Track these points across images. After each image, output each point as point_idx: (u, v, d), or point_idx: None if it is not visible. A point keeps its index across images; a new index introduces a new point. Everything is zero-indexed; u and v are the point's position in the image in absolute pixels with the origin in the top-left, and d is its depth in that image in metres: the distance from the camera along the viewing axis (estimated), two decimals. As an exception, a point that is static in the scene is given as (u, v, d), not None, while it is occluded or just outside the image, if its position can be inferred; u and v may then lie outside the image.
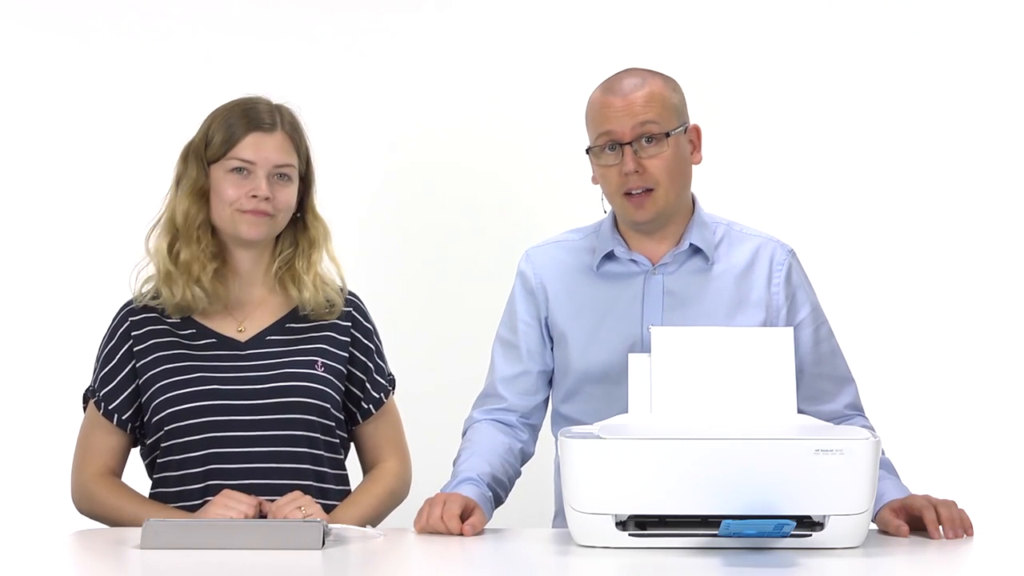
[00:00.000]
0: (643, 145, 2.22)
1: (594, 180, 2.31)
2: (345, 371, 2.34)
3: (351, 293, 2.42)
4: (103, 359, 2.31)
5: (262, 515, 2.13)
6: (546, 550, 1.92)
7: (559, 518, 2.36)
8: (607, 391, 2.24)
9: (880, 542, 1.93)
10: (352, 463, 2.41)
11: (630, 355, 2.08)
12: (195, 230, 2.28)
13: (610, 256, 2.32)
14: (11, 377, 3.07)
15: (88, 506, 2.27)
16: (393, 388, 2.43)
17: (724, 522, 1.77)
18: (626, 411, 2.05)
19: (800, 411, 2.08)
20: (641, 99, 2.22)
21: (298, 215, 2.36)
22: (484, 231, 3.15)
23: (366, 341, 2.38)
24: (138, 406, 2.28)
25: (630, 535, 1.84)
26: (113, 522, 2.21)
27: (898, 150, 3.11)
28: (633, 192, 2.23)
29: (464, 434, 2.33)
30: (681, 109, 2.28)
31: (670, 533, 1.84)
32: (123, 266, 2.35)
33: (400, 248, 3.17)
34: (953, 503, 1.98)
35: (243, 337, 2.30)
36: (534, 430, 2.37)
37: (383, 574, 1.85)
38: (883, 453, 2.15)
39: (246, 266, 2.33)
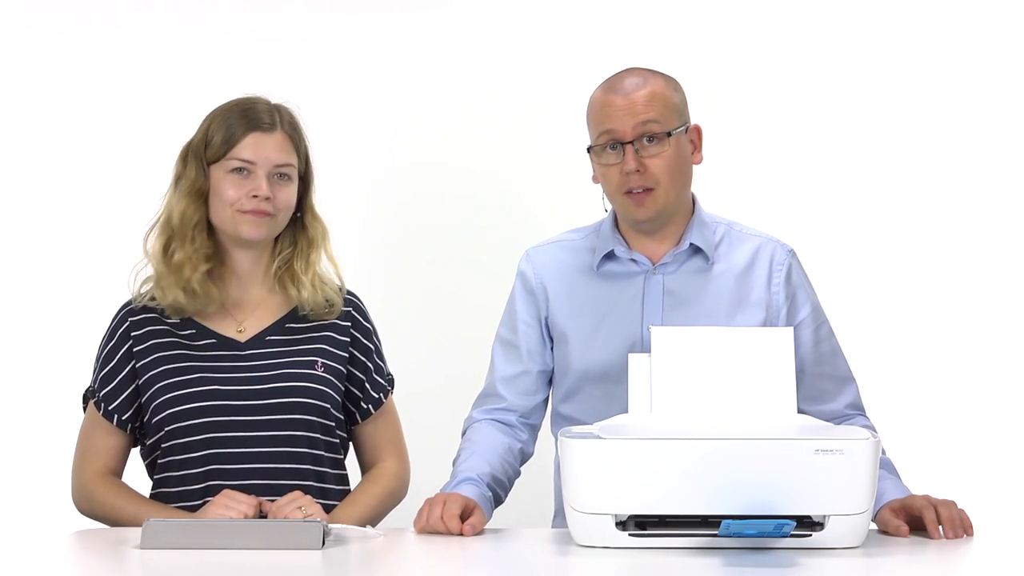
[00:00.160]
0: (644, 144, 2.22)
1: (594, 179, 2.31)
2: (345, 371, 2.34)
3: (350, 293, 2.42)
4: (103, 359, 2.31)
5: (262, 515, 2.13)
6: (546, 550, 1.92)
7: (559, 518, 2.36)
8: (607, 391, 2.24)
9: (880, 542, 1.93)
10: (351, 463, 2.41)
11: (630, 355, 2.08)
12: (190, 230, 2.27)
13: (610, 256, 2.32)
14: (11, 377, 3.07)
15: (88, 506, 2.27)
16: (392, 388, 2.43)
17: (724, 522, 1.77)
18: (626, 411, 2.05)
19: (801, 411, 2.08)
20: (643, 98, 2.22)
21: (297, 215, 2.36)
22: (484, 231, 3.15)
23: (366, 341, 2.38)
24: (138, 406, 2.28)
25: (630, 535, 1.84)
26: (113, 522, 2.22)
27: (898, 150, 3.11)
28: (634, 191, 2.23)
29: (464, 434, 2.33)
30: (682, 109, 2.28)
31: (670, 533, 1.84)
32: (123, 266, 2.35)
33: (400, 248, 3.17)
34: (953, 503, 1.98)
35: (243, 337, 2.30)
36: (533, 430, 2.37)
37: (383, 574, 1.85)
38: (883, 453, 2.15)
39: (245, 266, 2.33)
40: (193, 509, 2.20)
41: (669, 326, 2.23)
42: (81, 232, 3.11)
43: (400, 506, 2.36)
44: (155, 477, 2.29)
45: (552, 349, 2.36)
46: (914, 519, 1.98)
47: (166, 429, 2.24)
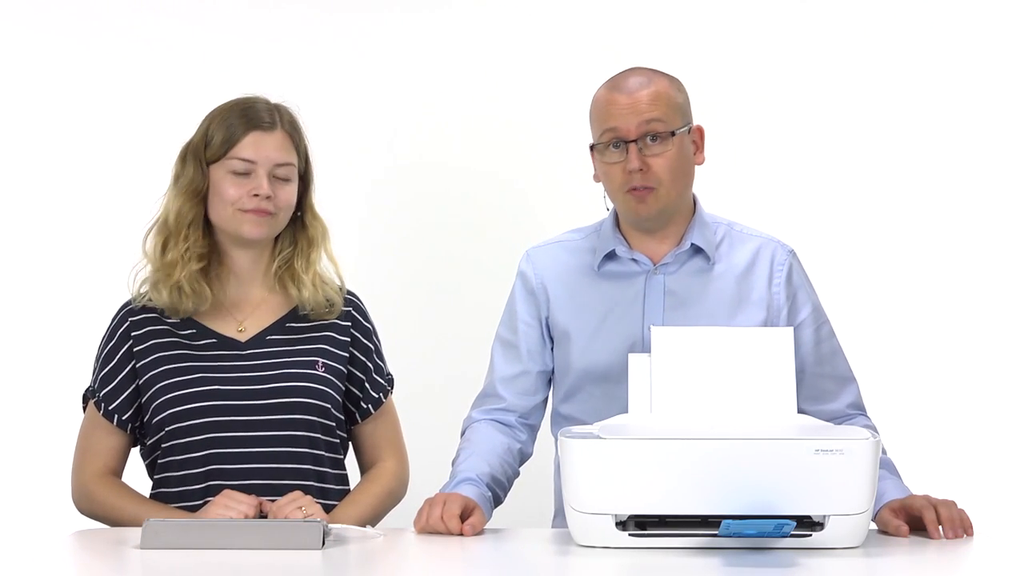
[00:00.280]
0: (648, 143, 2.22)
1: (596, 178, 2.31)
2: (345, 371, 2.34)
3: (350, 292, 2.42)
4: (103, 359, 2.31)
5: (263, 515, 2.13)
6: (546, 550, 1.92)
7: (559, 518, 2.36)
8: (607, 391, 2.24)
9: (880, 542, 1.93)
10: (350, 463, 2.40)
11: (630, 355, 2.08)
12: (185, 228, 2.27)
13: (611, 256, 2.32)
14: (11, 377, 3.07)
15: (88, 506, 2.27)
16: (392, 388, 2.43)
17: (724, 522, 1.77)
18: (626, 411, 2.05)
19: (802, 411, 2.09)
20: (647, 97, 2.23)
21: (297, 214, 2.36)
22: (484, 230, 3.15)
23: (366, 341, 2.38)
24: (138, 406, 2.28)
25: (630, 535, 1.84)
26: (113, 522, 2.21)
27: (898, 151, 3.11)
28: (636, 189, 2.23)
29: (463, 434, 2.33)
30: (686, 109, 2.28)
31: (670, 533, 1.84)
32: (122, 266, 2.35)
33: (400, 247, 3.17)
34: (953, 503, 1.98)
35: (243, 337, 2.30)
36: (532, 430, 2.37)
37: (383, 574, 1.85)
38: (884, 453, 2.15)
39: (245, 266, 2.33)
40: (193, 509, 2.20)
41: (670, 326, 2.23)
42: (81, 232, 3.11)
43: (400, 506, 2.36)
44: (155, 477, 2.29)
45: (552, 349, 2.36)
46: (914, 519, 1.98)
47: (166, 429, 2.24)
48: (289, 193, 2.30)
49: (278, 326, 2.32)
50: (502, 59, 3.17)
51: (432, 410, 2.78)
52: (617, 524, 1.84)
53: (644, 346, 2.22)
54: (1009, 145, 3.08)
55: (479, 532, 2.02)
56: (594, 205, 2.35)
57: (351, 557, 1.87)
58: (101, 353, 2.32)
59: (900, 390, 2.99)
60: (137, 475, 2.32)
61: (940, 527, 1.94)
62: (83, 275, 3.06)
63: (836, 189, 3.11)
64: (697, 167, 2.32)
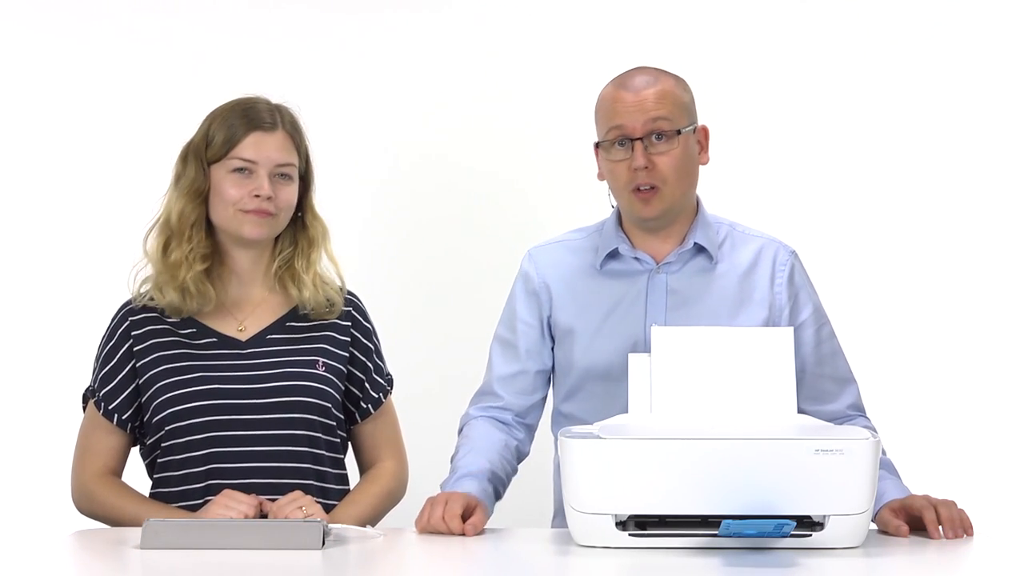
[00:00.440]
0: (653, 142, 2.22)
1: (600, 176, 2.31)
2: (345, 371, 2.34)
3: (350, 293, 2.42)
4: (103, 359, 2.31)
5: (263, 515, 2.13)
6: (546, 550, 1.92)
7: (559, 518, 2.36)
8: (608, 389, 2.24)
9: (880, 542, 1.93)
10: (349, 462, 2.40)
11: (630, 355, 2.08)
12: (188, 229, 2.27)
13: (613, 255, 2.32)
14: (11, 377, 3.07)
15: (88, 506, 2.27)
16: (391, 388, 2.44)
17: (724, 522, 1.77)
18: (627, 410, 2.05)
19: (802, 411, 2.09)
20: (653, 96, 2.23)
21: (298, 214, 2.36)
22: (484, 231, 3.15)
23: (366, 341, 2.38)
24: (138, 406, 2.28)
25: (630, 535, 1.84)
26: (113, 522, 2.21)
27: (899, 152, 3.11)
28: (641, 188, 2.23)
29: (460, 431, 2.33)
30: (691, 108, 2.28)
31: (670, 533, 1.84)
32: (123, 266, 2.35)
33: (400, 248, 3.17)
34: (953, 503, 1.98)
35: (244, 336, 2.30)
36: (530, 430, 2.37)
37: (383, 574, 1.86)
38: (884, 453, 2.15)
39: (245, 266, 2.33)
40: (193, 508, 2.19)
41: (672, 325, 2.24)
42: (81, 232, 3.11)
43: (400, 506, 2.36)
44: (155, 476, 2.29)
45: (553, 349, 2.36)
46: (914, 519, 1.98)
47: (166, 428, 2.24)
48: (290, 193, 2.30)
49: (278, 325, 2.32)
50: (503, 59, 3.17)
51: (432, 410, 2.78)
52: (617, 524, 1.84)
53: (646, 345, 2.22)
54: (1009, 145, 3.08)
55: (480, 532, 2.02)
56: (596, 205, 2.36)
57: (351, 557, 1.87)
58: (101, 353, 2.32)
59: (900, 390, 2.99)
60: (137, 475, 2.32)
61: (940, 527, 1.95)
62: (83, 275, 3.06)
63: (837, 191, 3.12)
64: (701, 167, 2.32)
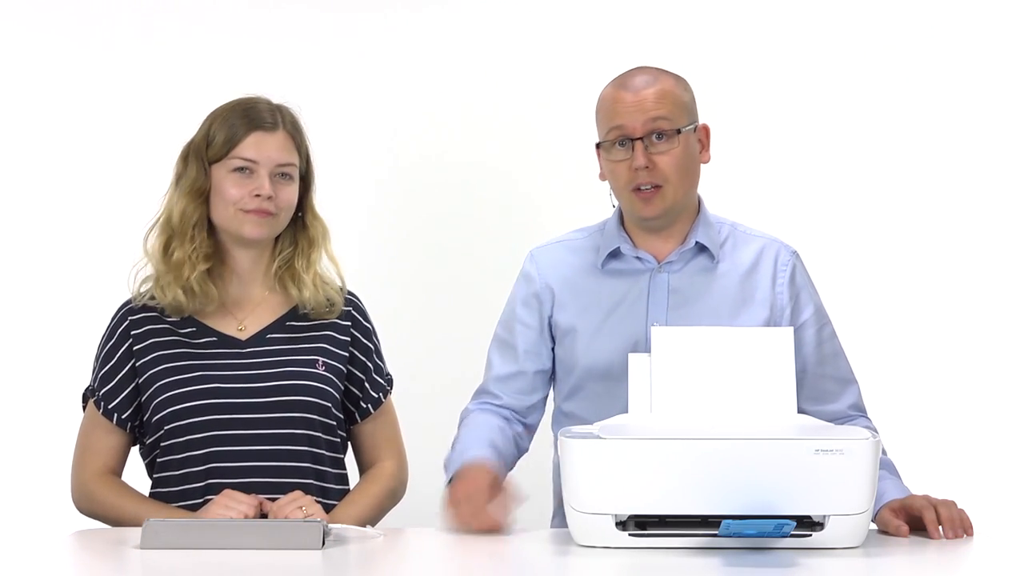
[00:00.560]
0: (654, 141, 2.23)
1: (601, 176, 2.32)
2: (345, 370, 2.34)
3: (350, 293, 2.42)
4: (102, 358, 2.31)
5: (263, 515, 2.13)
6: (546, 550, 1.92)
7: (559, 518, 2.36)
8: (610, 388, 2.24)
9: (880, 542, 1.93)
10: (349, 462, 2.40)
11: (630, 355, 2.08)
12: (190, 229, 2.28)
13: (615, 254, 2.33)
14: (11, 377, 3.07)
15: (88, 505, 2.27)
16: (391, 388, 2.44)
17: (724, 522, 1.77)
18: (627, 410, 2.05)
19: (803, 411, 2.09)
20: (653, 95, 2.23)
21: (298, 214, 2.36)
22: (485, 231, 3.15)
23: (365, 341, 2.38)
24: (138, 405, 2.28)
25: (630, 535, 1.84)
26: (113, 522, 2.21)
27: (900, 152, 3.11)
28: (642, 188, 2.23)
29: (460, 424, 2.32)
30: (691, 108, 2.29)
31: (670, 533, 1.84)
32: (123, 266, 2.35)
33: (400, 248, 3.17)
34: (953, 503, 1.98)
35: (243, 336, 2.30)
36: (529, 428, 2.37)
37: (383, 574, 1.85)
38: (884, 453, 2.15)
39: (246, 265, 2.34)
40: (193, 508, 2.19)
41: (673, 324, 2.24)
42: (81, 232, 3.11)
43: (399, 506, 2.36)
44: (155, 476, 2.29)
45: (554, 348, 2.36)
46: (914, 519, 1.98)
47: (166, 428, 2.24)
48: (290, 193, 2.30)
49: (278, 325, 2.32)
50: (504, 59, 3.17)
51: (432, 410, 2.78)
52: (617, 524, 1.84)
53: (647, 344, 2.22)
54: (1010, 145, 3.08)
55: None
56: (597, 205, 2.36)
57: (351, 557, 1.86)
58: (101, 352, 2.32)
59: (900, 391, 2.99)
60: (137, 475, 2.32)
61: (940, 527, 1.94)
62: (83, 275, 3.06)
63: (838, 190, 3.11)
64: (702, 166, 2.32)
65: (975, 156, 3.09)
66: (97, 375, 2.31)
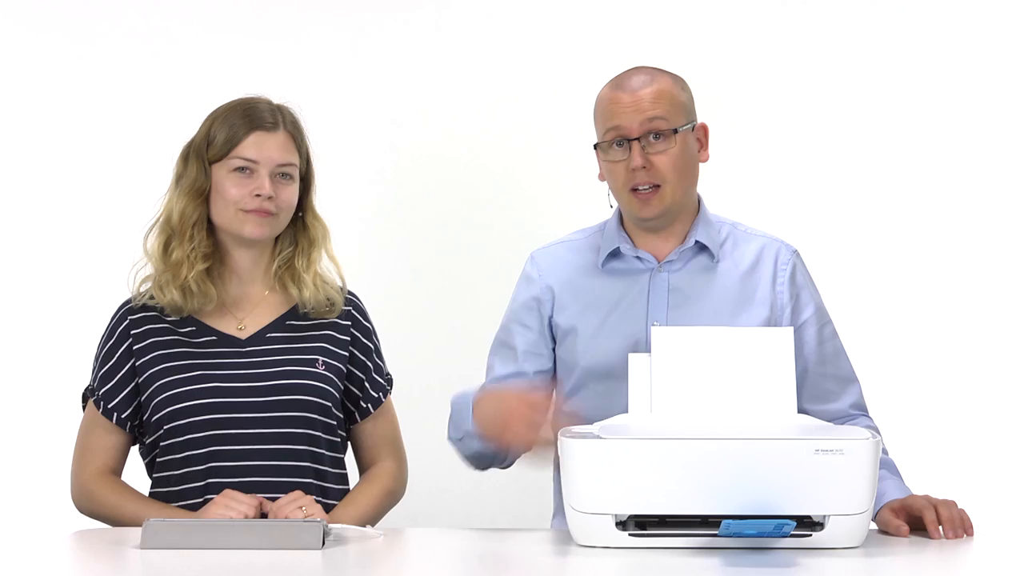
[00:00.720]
0: (651, 141, 2.23)
1: (601, 177, 2.32)
2: (345, 370, 2.34)
3: (350, 292, 2.42)
4: (102, 358, 2.31)
5: (263, 515, 2.13)
6: (546, 550, 1.92)
7: (559, 518, 2.36)
8: (611, 388, 2.24)
9: (880, 542, 1.93)
10: (348, 462, 2.40)
11: (630, 355, 2.08)
12: (190, 228, 2.28)
13: (615, 254, 2.33)
14: (11, 377, 3.07)
15: (88, 505, 2.27)
16: (391, 388, 2.44)
17: (724, 522, 1.76)
18: (627, 410, 2.05)
19: (804, 411, 2.09)
20: (649, 96, 2.23)
21: (298, 214, 2.36)
22: (485, 231, 3.15)
23: (365, 340, 2.38)
24: (137, 404, 2.28)
25: (630, 535, 1.84)
26: (113, 521, 2.21)
27: (900, 151, 3.11)
28: (640, 188, 2.23)
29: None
30: (689, 107, 2.29)
31: (670, 533, 1.84)
32: (122, 266, 2.35)
33: (400, 248, 3.17)
34: (953, 503, 1.98)
35: (243, 335, 2.30)
36: None
37: (383, 574, 1.85)
38: (886, 453, 2.15)
39: (246, 265, 2.34)
40: (193, 508, 2.20)
41: (673, 324, 2.24)
42: (81, 232, 3.11)
43: (399, 506, 2.36)
44: (155, 476, 2.29)
45: (555, 349, 2.36)
46: (914, 519, 1.98)
47: (165, 427, 2.24)
48: (291, 193, 2.30)
49: (278, 324, 2.32)
50: (504, 59, 3.17)
51: (432, 410, 2.77)
52: (617, 524, 1.84)
53: (648, 344, 2.21)
54: (1010, 145, 3.08)
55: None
56: (597, 205, 2.36)
57: (351, 557, 1.86)
58: (100, 351, 2.32)
59: (901, 390, 2.98)
60: (137, 474, 2.32)
61: (940, 527, 1.94)
62: (83, 275, 3.05)
63: (838, 190, 3.11)
64: (701, 165, 2.32)
65: (975, 156, 3.09)
66: (97, 375, 2.31)
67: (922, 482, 2.13)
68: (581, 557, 1.84)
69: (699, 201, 2.35)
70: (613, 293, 2.31)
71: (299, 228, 2.36)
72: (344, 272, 2.41)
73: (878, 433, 2.02)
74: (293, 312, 2.34)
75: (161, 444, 2.26)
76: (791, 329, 2.08)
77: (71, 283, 3.08)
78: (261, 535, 1.88)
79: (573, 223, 2.45)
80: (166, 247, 2.29)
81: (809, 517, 1.83)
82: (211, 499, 2.15)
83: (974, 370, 3.04)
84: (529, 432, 2.00)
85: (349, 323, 2.37)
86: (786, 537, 1.80)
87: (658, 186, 2.23)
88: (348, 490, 2.35)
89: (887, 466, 2.13)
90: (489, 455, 2.22)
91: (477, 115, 3.16)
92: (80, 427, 2.33)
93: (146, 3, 3.15)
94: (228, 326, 2.31)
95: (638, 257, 2.31)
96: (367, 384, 2.38)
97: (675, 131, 2.23)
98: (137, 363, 2.28)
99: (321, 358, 2.31)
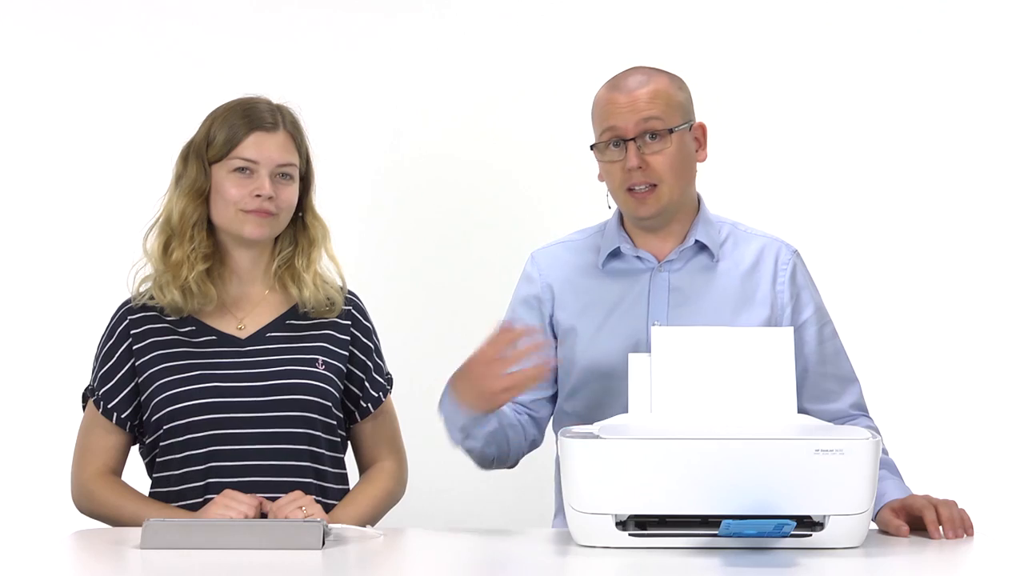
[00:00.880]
0: (647, 141, 2.23)
1: (600, 177, 2.32)
2: (345, 369, 2.34)
3: (350, 292, 2.42)
4: (102, 358, 2.31)
5: (263, 515, 2.13)
6: (546, 550, 1.92)
7: (559, 518, 2.36)
8: (611, 387, 2.24)
9: (880, 542, 1.93)
10: (348, 462, 2.40)
11: (630, 355, 2.08)
12: (190, 229, 2.28)
13: (615, 254, 2.33)
14: (11, 377, 3.07)
15: (88, 505, 2.27)
16: (391, 387, 2.44)
17: (724, 522, 1.77)
18: (627, 410, 2.05)
19: (805, 411, 2.09)
20: (645, 96, 2.23)
21: (298, 214, 2.36)
22: (485, 231, 3.15)
23: (365, 340, 2.38)
24: (137, 404, 2.28)
25: (630, 535, 1.84)
26: (113, 521, 2.21)
27: (901, 151, 3.11)
28: (636, 188, 2.23)
29: None
30: (686, 107, 2.29)
31: (670, 533, 1.84)
32: (122, 266, 2.35)
33: (400, 248, 3.17)
34: (953, 503, 1.98)
35: (243, 335, 2.30)
36: (537, 422, 2.34)
37: (383, 574, 1.85)
38: (886, 453, 2.15)
39: (246, 265, 2.34)
40: (193, 507, 2.20)
41: (674, 323, 2.24)
42: (81, 232, 3.11)
43: (399, 506, 2.36)
44: (154, 476, 2.29)
45: (556, 348, 2.36)
46: (914, 519, 1.98)
47: (165, 427, 2.24)
48: (291, 193, 2.30)
49: (278, 324, 2.32)
50: (504, 59, 3.17)
51: (432, 410, 2.77)
52: (617, 524, 1.84)
53: (648, 344, 2.21)
54: (1010, 145, 3.08)
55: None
56: (597, 205, 2.36)
57: (351, 557, 1.86)
58: (100, 351, 2.32)
59: (901, 390, 2.99)
60: (137, 474, 2.32)
61: (940, 527, 1.94)
62: (83, 275, 3.06)
63: (838, 189, 3.11)
64: (700, 165, 2.32)
65: (975, 156, 3.09)
66: (96, 374, 2.31)
67: (922, 482, 2.13)
68: (581, 557, 1.84)
69: (699, 201, 2.35)
70: (613, 293, 2.31)
71: (299, 228, 2.36)
72: (344, 272, 2.41)
73: (878, 433, 2.02)
74: (293, 312, 2.34)
75: (161, 444, 2.26)
76: (791, 329, 2.08)
77: (71, 283, 3.08)
78: (261, 535, 1.88)
79: (573, 223, 2.45)
80: (166, 247, 2.29)
81: (809, 517, 1.83)
82: (211, 499, 2.15)
83: (974, 370, 3.04)
84: (501, 380, 2.01)
85: (349, 323, 2.37)
86: (786, 537, 1.80)
87: (655, 186, 2.23)
88: (348, 490, 2.35)
89: (887, 466, 2.13)
90: (492, 453, 2.22)
91: (477, 115, 3.16)
92: (80, 427, 2.33)
93: (146, 3, 3.15)
94: (228, 326, 2.31)
95: (638, 257, 2.31)
96: (367, 384, 2.38)
97: (671, 131, 2.23)
98: (137, 363, 2.28)
99: (321, 358, 2.31)
